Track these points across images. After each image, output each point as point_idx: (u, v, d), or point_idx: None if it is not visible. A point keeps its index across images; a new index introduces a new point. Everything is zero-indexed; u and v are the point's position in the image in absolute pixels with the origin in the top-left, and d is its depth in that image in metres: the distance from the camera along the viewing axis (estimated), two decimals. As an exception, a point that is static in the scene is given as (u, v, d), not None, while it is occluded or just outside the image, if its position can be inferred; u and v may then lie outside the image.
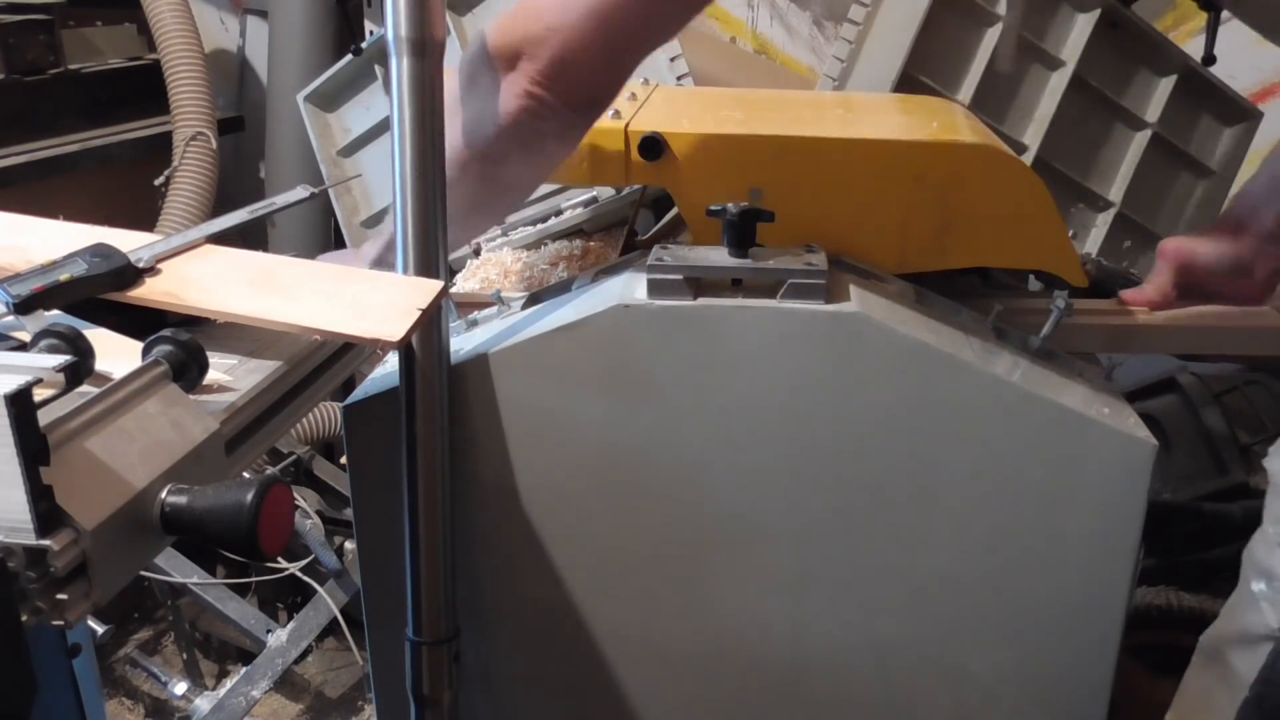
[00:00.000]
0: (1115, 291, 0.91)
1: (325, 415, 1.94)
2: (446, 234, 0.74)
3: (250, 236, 1.95)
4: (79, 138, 2.06)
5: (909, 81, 1.31)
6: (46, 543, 0.47)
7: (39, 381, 0.47)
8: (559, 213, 1.45)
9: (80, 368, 0.57)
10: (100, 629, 1.50)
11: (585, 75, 0.73)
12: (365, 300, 0.68)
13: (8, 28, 1.95)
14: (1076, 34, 1.39)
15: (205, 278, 0.72)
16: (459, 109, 0.77)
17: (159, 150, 2.10)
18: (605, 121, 0.85)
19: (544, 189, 1.53)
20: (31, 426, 0.46)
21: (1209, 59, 1.09)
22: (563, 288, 0.87)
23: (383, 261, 0.86)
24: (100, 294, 0.69)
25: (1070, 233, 0.92)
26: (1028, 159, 1.38)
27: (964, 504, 0.75)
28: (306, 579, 1.73)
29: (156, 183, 2.07)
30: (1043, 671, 0.79)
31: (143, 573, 1.63)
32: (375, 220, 2.03)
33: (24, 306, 0.65)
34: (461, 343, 0.80)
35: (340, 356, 0.81)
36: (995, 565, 0.76)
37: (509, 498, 0.79)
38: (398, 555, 0.77)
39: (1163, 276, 0.87)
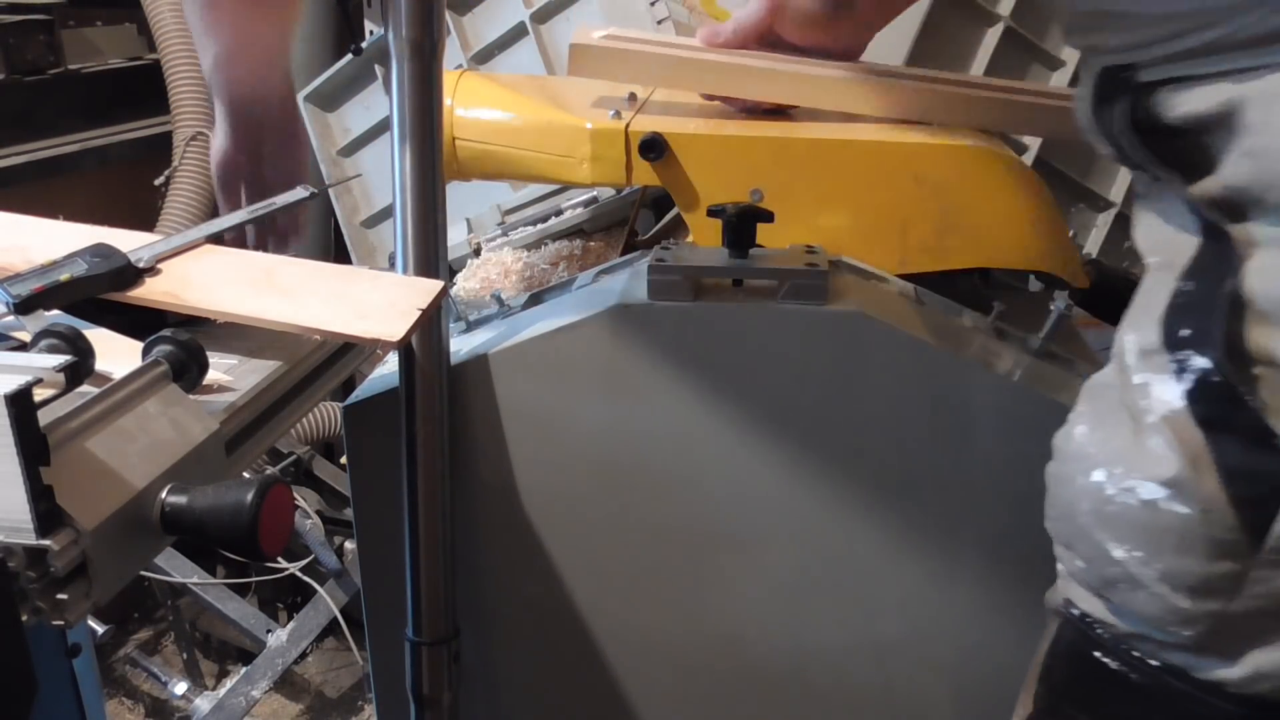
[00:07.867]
0: (1117, 292, 0.91)
1: (325, 415, 1.95)
2: (446, 234, 0.74)
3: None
4: (79, 138, 2.06)
5: (909, 82, 1.31)
6: (46, 543, 0.47)
7: (39, 381, 0.47)
8: (559, 213, 1.45)
9: (80, 368, 0.57)
10: (100, 629, 1.50)
11: None
12: (365, 300, 0.68)
13: (8, 28, 1.95)
14: (1077, 34, 1.39)
15: (205, 278, 0.72)
16: None
17: (159, 150, 2.10)
18: (605, 122, 0.85)
19: (544, 189, 1.53)
20: (31, 426, 0.46)
21: None
22: (563, 288, 0.87)
23: None
24: (100, 294, 0.69)
25: (1070, 233, 0.92)
26: (1028, 159, 1.38)
27: (964, 504, 0.75)
28: (306, 579, 1.73)
29: (156, 183, 2.07)
30: (1043, 672, 0.79)
31: (143, 573, 1.63)
32: (375, 220, 2.03)
33: (24, 306, 0.65)
34: (461, 343, 0.80)
35: (340, 356, 0.81)
36: (995, 565, 0.76)
37: (509, 498, 0.79)
38: (398, 555, 0.77)
39: (753, 13, 0.77)
